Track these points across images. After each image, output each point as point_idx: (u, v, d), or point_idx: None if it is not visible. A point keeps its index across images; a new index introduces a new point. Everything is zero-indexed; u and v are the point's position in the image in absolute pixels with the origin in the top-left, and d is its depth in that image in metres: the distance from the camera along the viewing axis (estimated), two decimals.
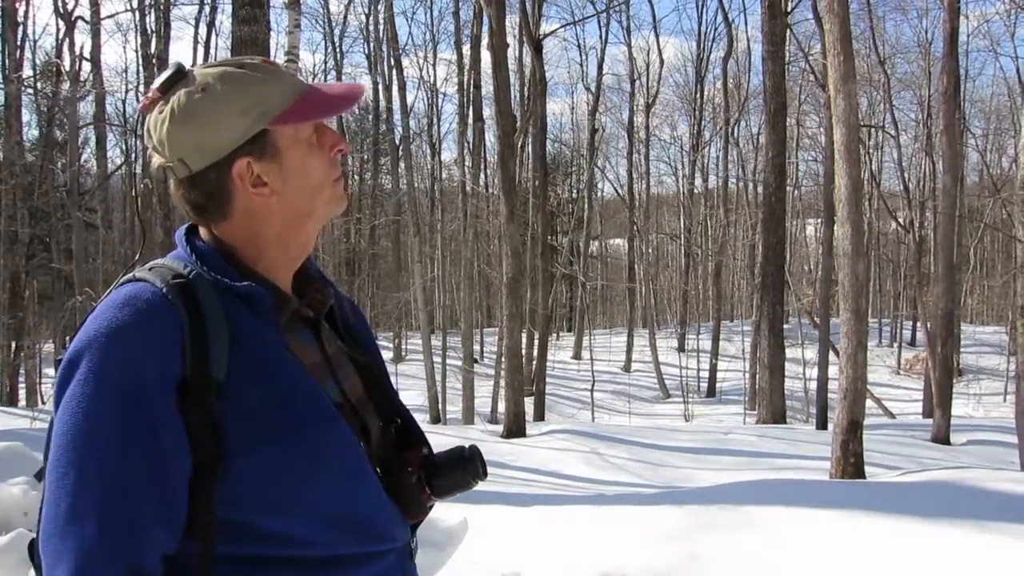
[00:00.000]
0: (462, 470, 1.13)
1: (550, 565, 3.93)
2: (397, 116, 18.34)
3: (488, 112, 18.48)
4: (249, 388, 0.96)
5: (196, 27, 20.64)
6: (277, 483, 0.95)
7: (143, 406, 0.91)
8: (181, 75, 1.02)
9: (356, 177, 31.74)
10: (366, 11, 24.65)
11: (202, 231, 1.07)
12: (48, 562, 0.91)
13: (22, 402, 16.63)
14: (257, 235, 1.05)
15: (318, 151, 1.07)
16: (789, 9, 14.72)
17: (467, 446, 1.15)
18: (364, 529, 1.03)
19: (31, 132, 23.59)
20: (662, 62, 27.87)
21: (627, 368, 25.12)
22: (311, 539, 0.98)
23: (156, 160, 1.04)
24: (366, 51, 27.63)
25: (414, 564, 1.14)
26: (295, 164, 1.04)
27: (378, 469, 1.10)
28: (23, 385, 17.68)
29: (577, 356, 26.84)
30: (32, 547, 1.03)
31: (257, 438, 0.94)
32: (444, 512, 3.12)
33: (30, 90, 19.57)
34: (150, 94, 1.03)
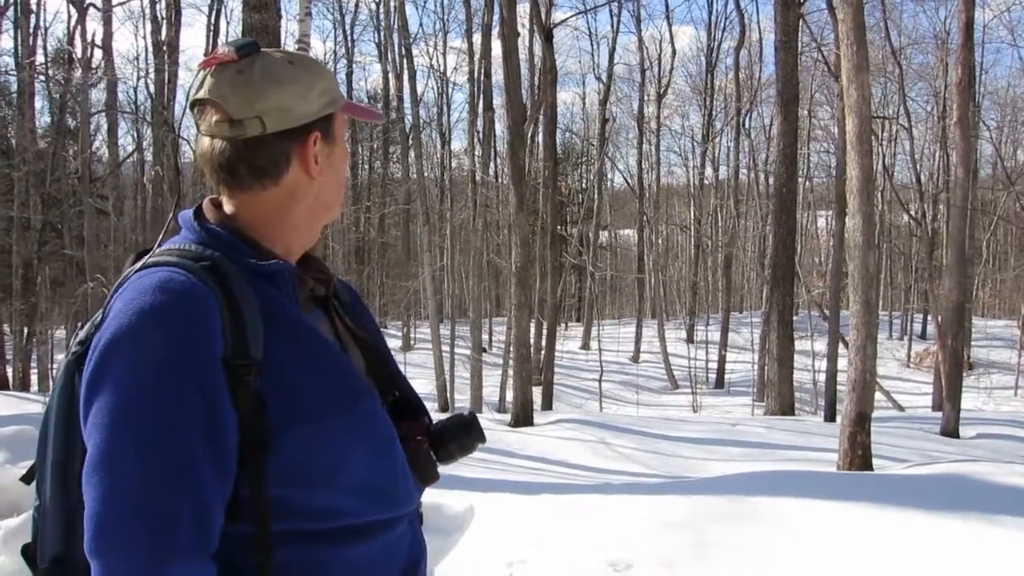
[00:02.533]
0: (468, 435, 1.16)
1: (557, 553, 3.94)
2: (407, 105, 18.27)
3: (498, 101, 18.39)
4: (288, 365, 0.97)
5: (209, 14, 20.67)
6: (319, 457, 0.97)
7: (200, 388, 0.91)
8: (257, 48, 1.05)
9: (366, 166, 31.75)
10: None
11: (210, 213, 1.07)
12: (107, 560, 0.87)
13: (34, 387, 16.78)
14: (288, 214, 1.07)
15: (341, 148, 1.13)
16: None
17: (466, 412, 1.19)
18: (391, 497, 1.06)
19: (43, 119, 23.72)
20: (674, 52, 27.72)
21: (635, 359, 25.11)
22: (346, 510, 1.00)
23: (215, 117, 1.02)
24: (376, 39, 27.59)
25: (420, 528, 1.17)
26: (337, 155, 1.11)
27: None
28: (35, 370, 17.84)
29: (585, 346, 26.84)
30: (26, 551, 1.01)
31: (299, 414, 0.95)
32: (451, 499, 3.14)
33: (42, 77, 19.65)
34: (224, 53, 1.04)
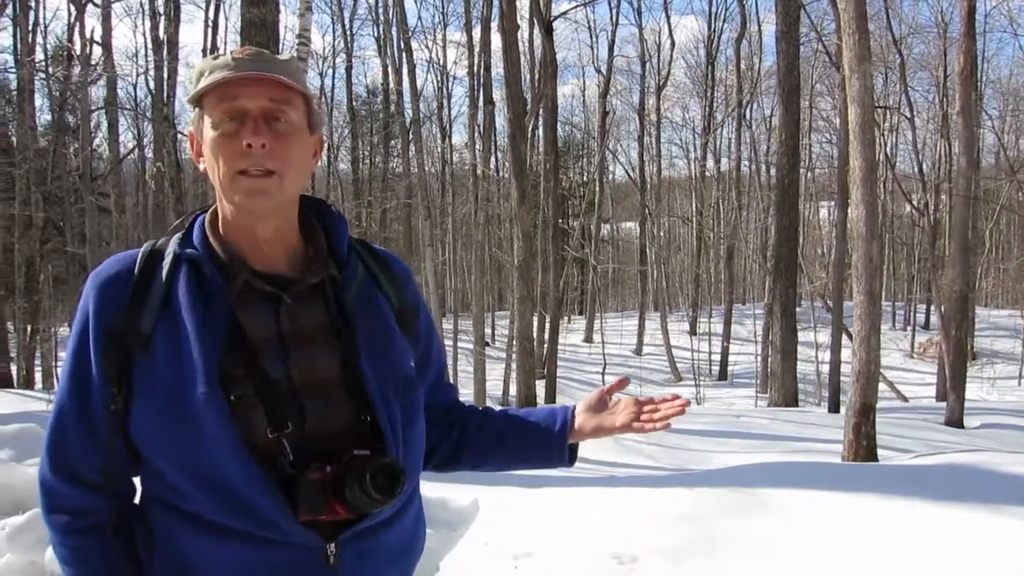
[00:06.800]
0: (362, 482, 1.05)
1: (562, 546, 3.94)
2: (407, 99, 18.22)
3: (499, 95, 18.35)
4: (160, 344, 1.08)
5: (206, 10, 20.62)
6: (151, 431, 1.07)
7: (83, 348, 1.10)
8: None
9: (366, 161, 31.73)
10: None
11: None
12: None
13: (38, 385, 16.80)
14: (217, 202, 1.16)
15: (217, 136, 1.10)
16: None
17: (389, 459, 1.08)
18: (244, 505, 1.05)
19: (43, 117, 23.68)
20: (673, 43, 27.63)
21: (638, 351, 25.10)
22: (189, 494, 1.07)
23: None
24: (375, 34, 27.50)
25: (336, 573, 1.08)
26: (206, 142, 1.12)
27: (291, 455, 1.06)
28: (39, 368, 17.86)
29: (588, 339, 26.83)
30: None
31: (148, 389, 1.07)
32: (454, 492, 3.14)
33: (42, 74, 19.59)
34: None
